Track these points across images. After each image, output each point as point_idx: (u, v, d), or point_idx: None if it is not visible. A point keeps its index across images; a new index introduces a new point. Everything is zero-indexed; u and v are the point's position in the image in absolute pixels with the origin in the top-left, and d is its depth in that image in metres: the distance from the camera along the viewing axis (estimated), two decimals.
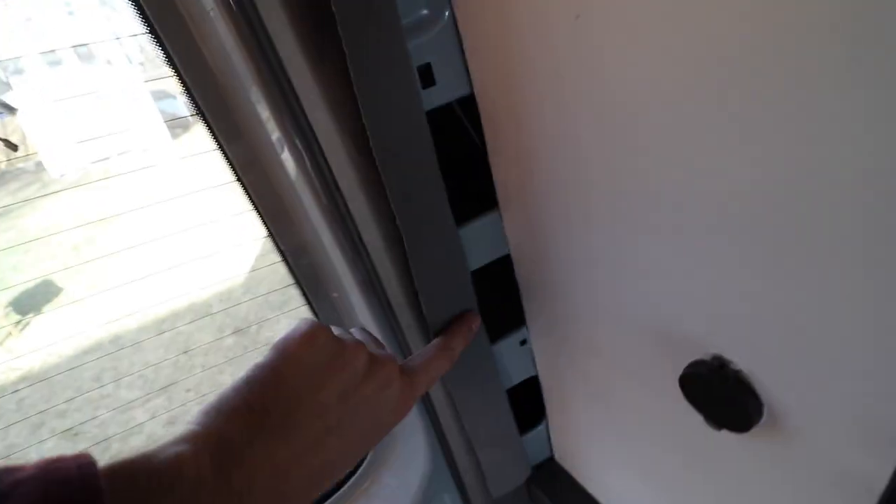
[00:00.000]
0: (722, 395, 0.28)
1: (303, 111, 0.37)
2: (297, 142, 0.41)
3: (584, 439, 0.52)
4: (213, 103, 0.41)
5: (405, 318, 0.46)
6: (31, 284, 5.00)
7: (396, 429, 0.65)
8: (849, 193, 0.19)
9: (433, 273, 0.40)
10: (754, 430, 0.27)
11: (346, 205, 0.42)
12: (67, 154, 7.65)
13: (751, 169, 0.22)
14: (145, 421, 3.06)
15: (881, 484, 0.24)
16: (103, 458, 0.22)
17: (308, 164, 0.41)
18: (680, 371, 0.29)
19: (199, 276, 4.62)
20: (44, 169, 7.90)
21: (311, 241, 0.50)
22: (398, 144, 0.33)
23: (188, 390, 3.28)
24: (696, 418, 0.31)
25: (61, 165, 7.68)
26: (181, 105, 9.19)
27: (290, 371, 0.24)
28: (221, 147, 0.44)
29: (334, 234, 0.46)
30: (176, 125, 8.82)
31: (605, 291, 0.35)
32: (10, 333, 4.14)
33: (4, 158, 8.72)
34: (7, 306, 4.45)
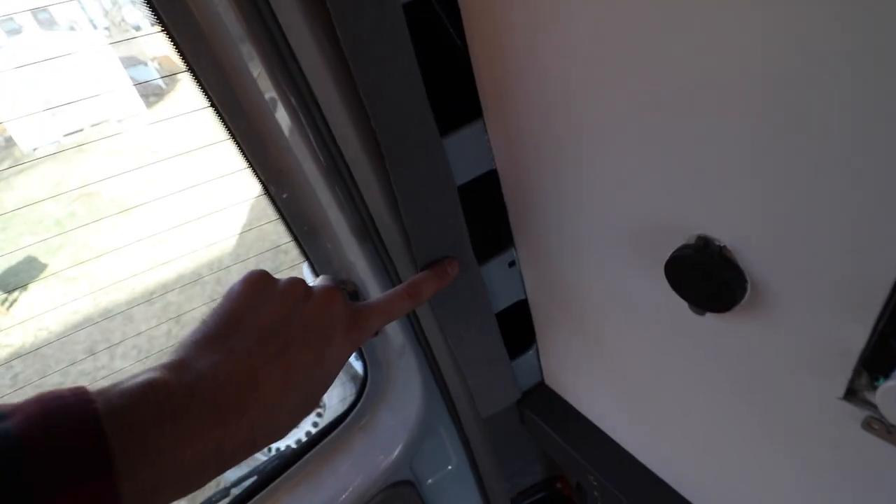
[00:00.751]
0: (706, 276, 0.28)
1: (295, 60, 0.35)
2: (292, 98, 0.39)
3: (573, 360, 0.53)
4: (204, 62, 0.39)
5: (402, 266, 0.46)
6: (13, 261, 4.92)
7: (391, 362, 0.67)
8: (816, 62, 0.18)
9: (416, 187, 0.39)
10: (737, 309, 0.28)
11: (342, 157, 0.41)
12: (38, 127, 7.38)
13: (727, 62, 0.21)
14: None
15: (858, 346, 0.24)
16: None
17: (302, 117, 0.40)
18: (665, 261, 0.30)
19: (186, 244, 4.57)
20: (14, 143, 7.62)
21: (307, 193, 0.48)
22: (372, 38, 0.31)
23: None
24: (681, 309, 0.31)
25: (33, 139, 7.41)
26: (153, 72, 8.82)
27: (232, 303, 0.28)
28: (213, 104, 0.42)
29: (330, 186, 0.45)
30: (149, 93, 8.50)
31: (590, 196, 0.35)
32: None
33: None
34: None
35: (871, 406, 0.24)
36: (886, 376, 0.23)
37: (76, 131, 7.59)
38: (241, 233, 4.56)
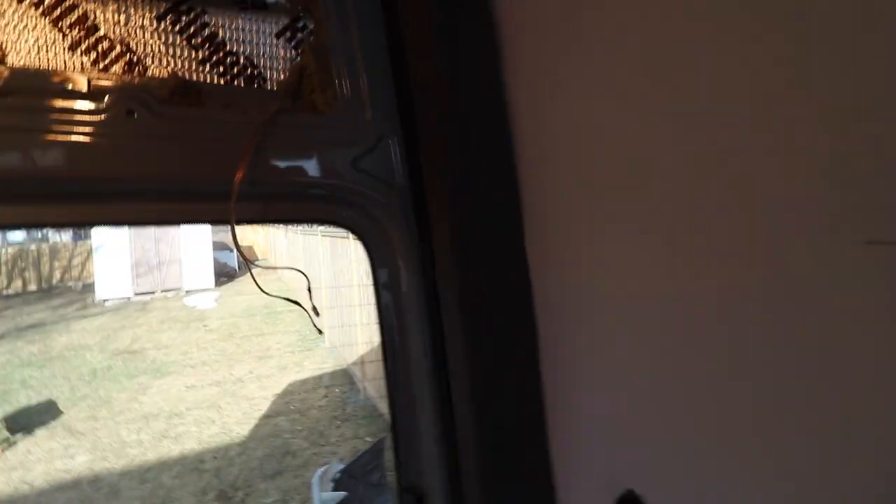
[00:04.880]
0: None
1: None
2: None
3: None
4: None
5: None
6: (33, 401, 5.19)
7: None
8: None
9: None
10: None
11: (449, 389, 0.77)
12: (119, 283, 8.66)
13: None
14: None
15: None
16: None
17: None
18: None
19: (199, 427, 4.72)
20: (92, 291, 8.84)
21: (414, 406, 0.82)
22: None
23: None
24: None
25: (109, 291, 8.61)
26: (234, 257, 10.49)
27: None
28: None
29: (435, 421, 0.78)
30: (222, 273, 9.95)
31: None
32: None
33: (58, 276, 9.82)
34: None
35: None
36: None
37: (147, 293, 8.67)
38: (256, 426, 4.71)
